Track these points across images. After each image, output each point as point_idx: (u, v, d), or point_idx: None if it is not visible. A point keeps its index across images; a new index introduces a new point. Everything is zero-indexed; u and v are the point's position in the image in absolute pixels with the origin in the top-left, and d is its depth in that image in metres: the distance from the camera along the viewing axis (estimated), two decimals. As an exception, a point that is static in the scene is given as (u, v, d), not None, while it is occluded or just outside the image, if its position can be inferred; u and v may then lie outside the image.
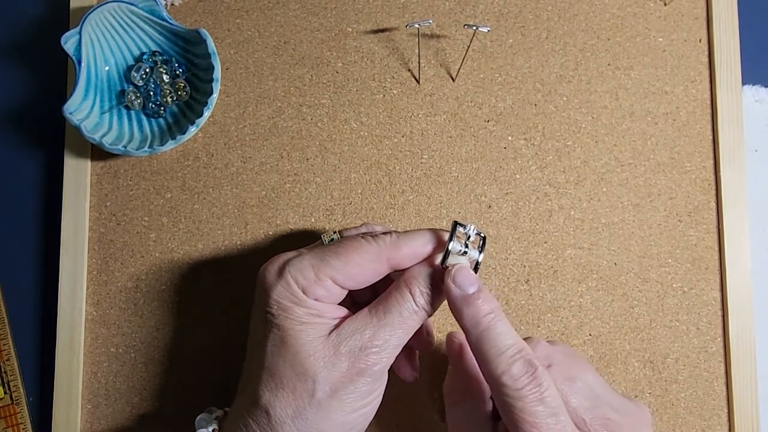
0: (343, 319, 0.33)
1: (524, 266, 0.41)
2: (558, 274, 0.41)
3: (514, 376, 0.30)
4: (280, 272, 0.32)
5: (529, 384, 0.29)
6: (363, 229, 0.36)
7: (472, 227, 0.33)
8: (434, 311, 0.34)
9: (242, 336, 0.41)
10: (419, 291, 0.32)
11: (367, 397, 0.32)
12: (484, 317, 0.31)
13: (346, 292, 0.33)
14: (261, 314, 0.33)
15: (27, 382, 0.42)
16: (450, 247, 0.32)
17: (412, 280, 0.33)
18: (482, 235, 0.34)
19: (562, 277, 0.41)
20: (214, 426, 0.34)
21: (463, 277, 0.32)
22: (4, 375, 0.42)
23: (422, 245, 0.33)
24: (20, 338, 0.43)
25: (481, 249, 0.33)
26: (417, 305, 0.32)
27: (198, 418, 0.35)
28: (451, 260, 0.32)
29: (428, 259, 0.33)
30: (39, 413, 0.42)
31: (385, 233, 0.34)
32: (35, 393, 0.42)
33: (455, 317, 0.32)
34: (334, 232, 0.36)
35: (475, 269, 0.33)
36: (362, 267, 0.32)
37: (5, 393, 0.42)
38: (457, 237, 0.33)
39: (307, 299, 0.32)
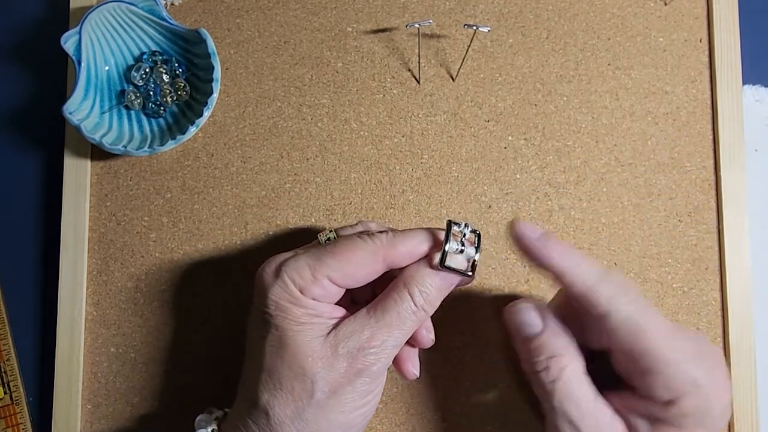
0: (342, 319, 0.33)
1: (524, 266, 0.41)
2: (558, 274, 0.41)
3: None
4: (277, 273, 0.32)
5: None
6: (359, 228, 0.36)
7: (467, 225, 0.33)
8: (433, 311, 0.34)
9: (242, 336, 0.41)
10: (417, 291, 0.32)
11: (366, 396, 0.32)
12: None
13: (343, 291, 0.33)
14: (259, 315, 0.33)
15: (27, 382, 0.43)
16: (447, 248, 0.32)
17: (410, 279, 0.33)
18: (477, 231, 0.34)
19: (562, 277, 0.41)
20: (214, 426, 0.34)
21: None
22: (4, 375, 0.42)
23: (418, 244, 0.33)
24: (20, 338, 0.43)
25: (477, 246, 0.33)
26: (416, 305, 0.32)
27: (198, 418, 0.35)
28: (448, 260, 0.32)
29: (426, 259, 0.33)
30: (39, 413, 0.42)
31: (381, 232, 0.33)
32: (35, 393, 0.42)
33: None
34: (330, 231, 0.36)
35: (473, 267, 0.33)
36: (358, 265, 0.32)
37: (5, 393, 0.42)
38: (453, 236, 0.33)
39: (305, 299, 0.32)
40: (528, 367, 0.32)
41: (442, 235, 0.33)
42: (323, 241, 0.35)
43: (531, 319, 0.33)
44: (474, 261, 0.33)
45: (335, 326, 0.32)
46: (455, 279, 0.33)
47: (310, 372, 0.31)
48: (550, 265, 0.31)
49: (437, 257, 0.33)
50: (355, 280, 0.33)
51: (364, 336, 0.31)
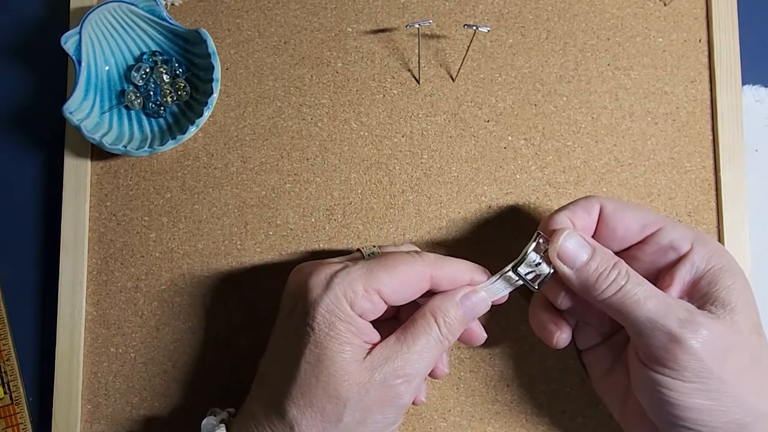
0: (374, 345, 0.33)
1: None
2: (558, 274, 0.41)
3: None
4: (328, 284, 0.32)
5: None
6: (404, 248, 0.37)
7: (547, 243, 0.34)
8: (454, 341, 0.34)
9: (242, 336, 0.41)
10: (443, 320, 0.33)
11: (390, 427, 0.33)
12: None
13: (385, 308, 0.33)
14: (298, 326, 0.32)
15: (27, 382, 0.43)
16: (527, 257, 0.33)
17: (436, 309, 0.33)
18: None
19: (562, 277, 0.41)
20: (222, 430, 0.34)
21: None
22: (4, 375, 0.42)
23: (464, 271, 0.34)
24: (20, 338, 0.43)
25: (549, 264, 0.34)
26: (441, 334, 0.33)
27: (204, 422, 0.34)
28: (521, 269, 0.34)
29: (452, 292, 0.34)
30: (39, 413, 0.42)
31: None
32: (35, 393, 0.42)
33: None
34: (374, 246, 0.36)
35: (541, 284, 0.34)
36: (408, 281, 0.33)
37: (5, 393, 0.42)
38: (536, 249, 0.34)
39: (353, 314, 0.32)
40: (592, 293, 0.32)
41: (486, 276, 0.35)
42: (367, 254, 0.35)
43: (579, 244, 0.33)
44: (546, 277, 0.34)
45: (369, 351, 0.32)
46: (477, 313, 0.34)
47: (344, 396, 0.31)
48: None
49: (484, 281, 0.35)
50: (403, 297, 0.33)
51: (398, 363, 0.32)
